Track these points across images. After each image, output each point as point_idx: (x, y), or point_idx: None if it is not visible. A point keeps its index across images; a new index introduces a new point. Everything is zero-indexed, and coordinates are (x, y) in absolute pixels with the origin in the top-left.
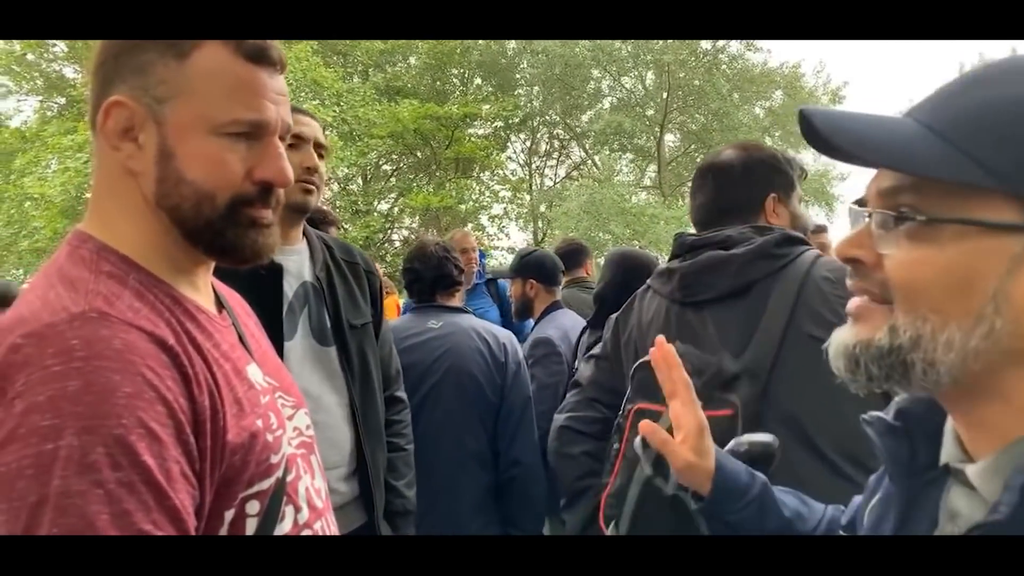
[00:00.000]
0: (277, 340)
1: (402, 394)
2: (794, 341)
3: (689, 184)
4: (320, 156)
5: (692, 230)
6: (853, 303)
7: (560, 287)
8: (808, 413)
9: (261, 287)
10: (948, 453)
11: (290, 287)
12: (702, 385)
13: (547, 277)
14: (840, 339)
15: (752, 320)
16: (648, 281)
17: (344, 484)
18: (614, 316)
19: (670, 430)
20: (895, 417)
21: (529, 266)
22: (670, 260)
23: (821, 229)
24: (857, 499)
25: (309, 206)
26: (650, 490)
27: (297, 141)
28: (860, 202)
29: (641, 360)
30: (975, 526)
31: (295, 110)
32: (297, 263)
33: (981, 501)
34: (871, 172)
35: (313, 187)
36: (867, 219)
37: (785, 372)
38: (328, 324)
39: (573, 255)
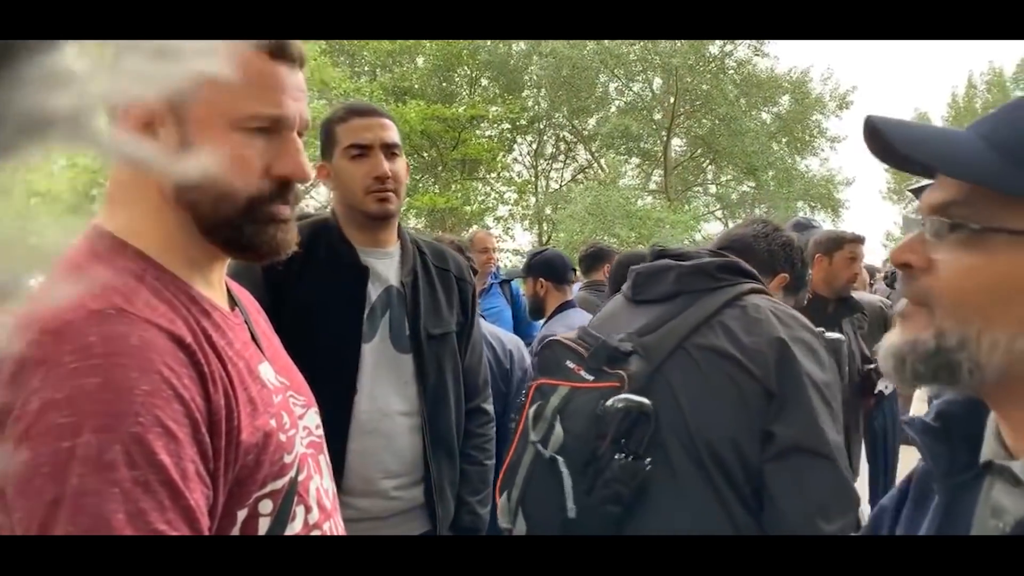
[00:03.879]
0: (355, 342)
1: (488, 406)
2: (695, 345)
3: (695, 188)
4: (393, 155)
5: (697, 235)
6: (900, 305)
7: (570, 285)
8: (689, 409)
9: (345, 288)
10: (990, 451)
11: (375, 290)
12: (589, 358)
13: (556, 275)
14: (889, 341)
15: (668, 318)
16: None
17: (405, 492)
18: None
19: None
20: (934, 418)
21: (538, 265)
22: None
23: (858, 239)
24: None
25: (389, 213)
26: (537, 456)
27: (361, 150)
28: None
29: (546, 340)
30: None
31: (363, 113)
32: (385, 266)
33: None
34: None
35: (388, 193)
36: (922, 228)
37: (677, 367)
38: (407, 331)
39: (593, 259)
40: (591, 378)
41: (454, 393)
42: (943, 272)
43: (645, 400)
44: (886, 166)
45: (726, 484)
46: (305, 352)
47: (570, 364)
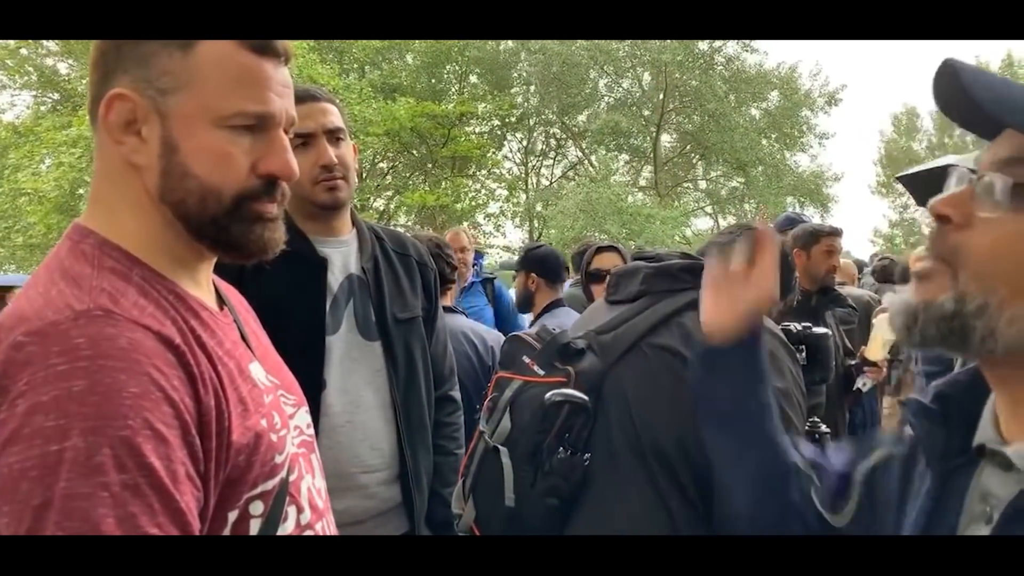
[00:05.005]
0: (319, 335)
1: (455, 394)
2: (650, 344)
3: (685, 184)
4: (338, 140)
5: (687, 231)
6: (920, 263)
7: (562, 284)
8: (637, 407)
9: (305, 281)
10: (984, 435)
11: (335, 280)
12: (539, 353)
13: (549, 273)
14: (902, 298)
15: (628, 317)
16: None
17: (385, 489)
18: None
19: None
20: (932, 400)
21: (532, 260)
22: None
23: (835, 232)
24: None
25: (340, 201)
26: (487, 445)
27: (304, 139)
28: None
29: (511, 335)
30: (1018, 495)
31: (301, 99)
32: (343, 255)
33: (1017, 480)
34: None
35: (337, 181)
36: (970, 183)
37: (630, 365)
38: (373, 318)
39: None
40: (542, 372)
41: (424, 380)
42: (983, 231)
43: (583, 395)
44: (877, 159)
45: (669, 483)
46: None
47: (526, 359)
